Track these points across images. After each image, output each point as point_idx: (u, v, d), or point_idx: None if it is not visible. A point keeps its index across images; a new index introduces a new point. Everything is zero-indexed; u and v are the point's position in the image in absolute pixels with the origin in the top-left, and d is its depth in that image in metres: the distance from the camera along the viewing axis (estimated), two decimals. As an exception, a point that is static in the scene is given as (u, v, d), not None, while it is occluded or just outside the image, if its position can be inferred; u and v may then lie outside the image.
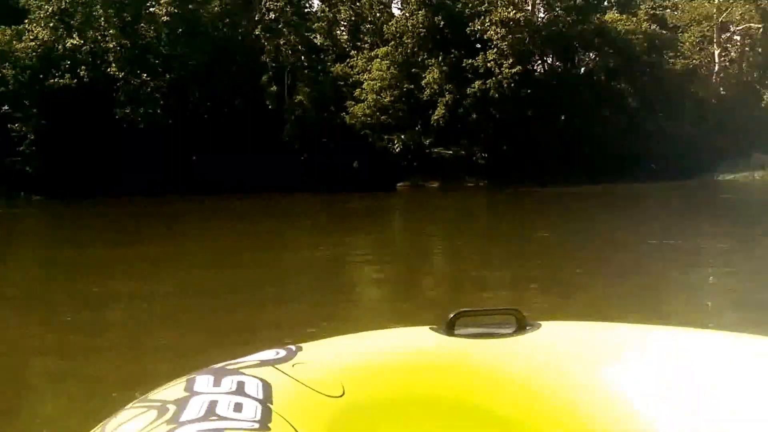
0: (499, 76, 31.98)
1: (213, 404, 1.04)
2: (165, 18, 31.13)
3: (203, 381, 1.14)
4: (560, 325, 1.54)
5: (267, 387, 1.15)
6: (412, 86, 35.52)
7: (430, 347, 1.43)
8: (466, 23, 32.58)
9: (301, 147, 34.41)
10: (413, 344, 1.46)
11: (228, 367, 1.23)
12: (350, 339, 1.49)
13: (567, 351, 1.39)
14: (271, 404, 1.09)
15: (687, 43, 35.04)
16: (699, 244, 7.69)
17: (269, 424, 1.02)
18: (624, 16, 33.46)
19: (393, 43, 35.08)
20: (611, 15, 33.57)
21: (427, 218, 15.19)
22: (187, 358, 3.31)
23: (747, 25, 34.36)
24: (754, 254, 7.09)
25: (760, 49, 35.08)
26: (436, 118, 34.03)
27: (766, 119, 33.14)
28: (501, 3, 30.82)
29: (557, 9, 31.61)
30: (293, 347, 1.37)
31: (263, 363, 1.26)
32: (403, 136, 35.82)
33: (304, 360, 1.30)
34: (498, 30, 30.96)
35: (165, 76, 31.61)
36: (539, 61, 35.56)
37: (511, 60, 31.77)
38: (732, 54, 36.08)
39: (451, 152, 36.61)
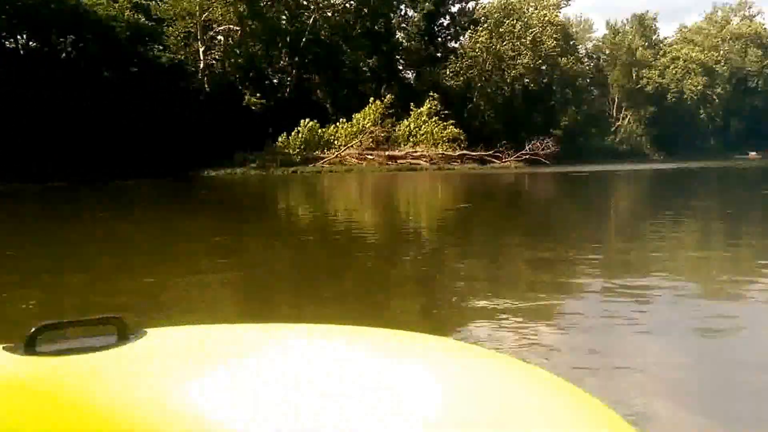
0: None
1: None
2: None
3: None
4: (168, 330, 1.36)
5: None
6: None
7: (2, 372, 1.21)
8: None
9: None
10: None
11: None
12: None
13: (170, 359, 1.25)
14: None
15: (172, 37, 35.36)
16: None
17: None
18: (104, 0, 31.70)
19: None
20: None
21: None
22: None
23: (228, 26, 36.56)
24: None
25: (239, 51, 37.81)
26: None
27: (247, 119, 35.97)
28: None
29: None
30: None
31: None
32: None
33: None
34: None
35: None
36: (10, 39, 31.16)
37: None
38: (216, 54, 37.96)
39: None
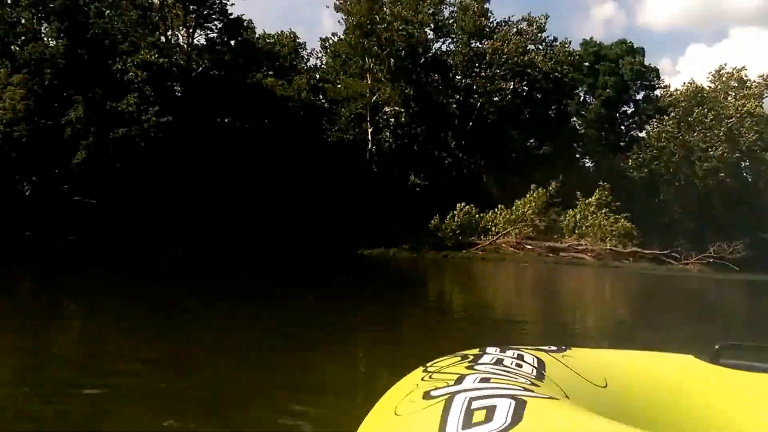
0: (146, 124, 29.43)
1: (500, 360, 1.44)
2: None
3: (491, 350, 1.52)
4: None
5: (541, 362, 1.48)
6: (50, 123, 31.37)
7: (693, 373, 1.59)
8: (110, 60, 29.59)
9: None
10: (675, 367, 1.63)
11: (510, 346, 1.58)
12: (614, 351, 1.75)
13: None
14: (545, 371, 1.42)
15: (343, 118, 36.40)
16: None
17: (542, 381, 1.34)
18: (281, 81, 33.54)
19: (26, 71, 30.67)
20: (270, 80, 33.27)
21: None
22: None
23: (393, 107, 36.95)
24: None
25: (400, 131, 37.91)
26: (76, 162, 30.23)
27: (408, 200, 35.23)
28: (144, 44, 28.47)
29: (205, 62, 30.37)
30: (564, 346, 1.66)
31: (538, 349, 1.60)
32: (34, 178, 31.43)
33: (572, 355, 1.60)
34: (139, 73, 28.54)
35: None
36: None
37: (158, 107, 29.53)
38: (384, 134, 38.38)
39: (95, 201, 32.95)
